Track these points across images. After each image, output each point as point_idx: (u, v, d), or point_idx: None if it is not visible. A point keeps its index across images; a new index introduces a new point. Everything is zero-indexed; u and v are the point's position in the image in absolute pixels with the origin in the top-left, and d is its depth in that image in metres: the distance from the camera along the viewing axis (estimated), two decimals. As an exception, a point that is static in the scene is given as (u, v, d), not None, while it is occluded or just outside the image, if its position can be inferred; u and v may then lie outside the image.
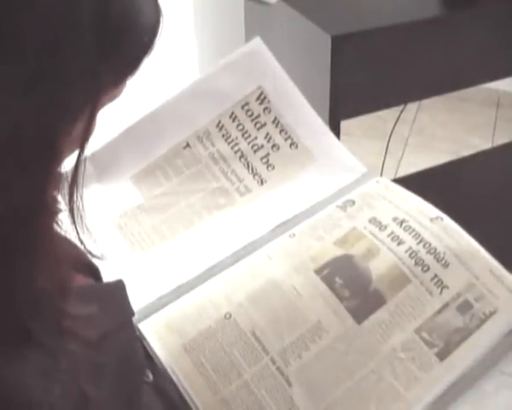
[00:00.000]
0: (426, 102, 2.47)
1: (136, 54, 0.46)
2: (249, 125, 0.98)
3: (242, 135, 0.98)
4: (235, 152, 0.98)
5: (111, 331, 0.57)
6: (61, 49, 0.39)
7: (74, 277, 0.59)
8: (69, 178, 0.46)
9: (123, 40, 0.44)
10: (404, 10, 1.51)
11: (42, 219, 0.44)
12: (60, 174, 0.45)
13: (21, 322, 0.45)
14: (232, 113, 0.99)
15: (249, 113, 0.98)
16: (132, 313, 0.67)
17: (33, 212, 0.42)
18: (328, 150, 1.00)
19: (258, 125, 0.98)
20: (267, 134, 0.98)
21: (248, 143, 0.98)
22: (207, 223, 0.94)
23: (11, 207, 0.41)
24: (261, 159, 0.98)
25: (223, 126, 0.98)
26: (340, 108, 1.44)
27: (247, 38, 1.73)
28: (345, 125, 1.56)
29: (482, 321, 0.80)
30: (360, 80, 1.44)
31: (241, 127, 0.98)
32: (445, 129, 2.78)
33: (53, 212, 0.46)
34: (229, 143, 0.98)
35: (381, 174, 2.10)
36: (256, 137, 0.98)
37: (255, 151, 0.98)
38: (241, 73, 1.01)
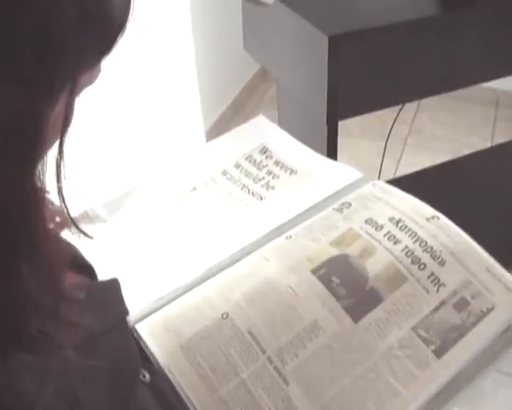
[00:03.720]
0: (425, 101, 2.47)
1: (111, 33, 0.47)
2: (252, 168, 1.08)
3: (245, 175, 1.07)
4: (237, 185, 1.05)
5: (104, 330, 0.56)
6: (48, 25, 0.41)
7: (68, 275, 0.59)
8: (56, 160, 0.46)
9: (101, 18, 0.45)
10: (402, 10, 1.52)
11: (33, 206, 0.44)
12: (46, 159, 0.45)
13: (15, 322, 0.45)
14: (236, 162, 1.08)
15: (252, 161, 1.08)
16: (127, 312, 0.67)
17: (24, 200, 0.43)
18: (326, 168, 1.06)
19: (261, 167, 1.07)
20: (268, 170, 1.07)
21: (251, 179, 1.06)
22: (205, 228, 0.98)
23: (2, 196, 0.41)
24: (261, 186, 1.04)
25: (227, 173, 1.07)
26: (338, 108, 1.44)
27: (245, 38, 1.73)
28: (343, 125, 1.56)
29: (479, 318, 0.80)
30: (358, 80, 1.44)
31: (244, 172, 1.07)
32: (444, 129, 2.78)
33: (42, 198, 0.46)
34: (233, 183, 1.06)
35: (380, 174, 2.09)
36: (257, 175, 1.06)
37: (256, 182, 1.05)
38: (245, 136, 1.13)
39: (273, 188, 1.03)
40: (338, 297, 0.82)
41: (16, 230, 0.43)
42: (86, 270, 0.68)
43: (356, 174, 1.01)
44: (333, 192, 0.98)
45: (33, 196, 0.44)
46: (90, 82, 0.50)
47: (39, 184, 0.45)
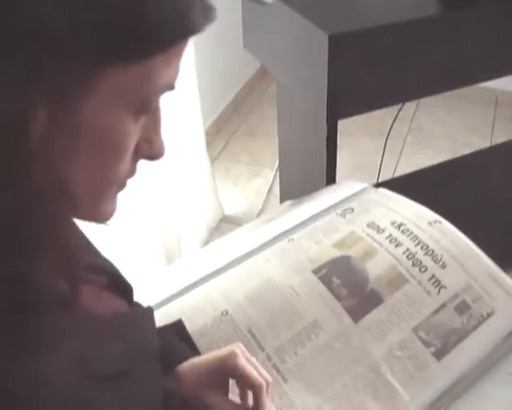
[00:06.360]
0: (424, 100, 2.47)
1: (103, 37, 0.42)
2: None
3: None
4: None
5: (131, 365, 0.53)
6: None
7: (104, 296, 0.58)
8: None
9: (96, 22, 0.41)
10: (402, 9, 1.51)
11: (51, 200, 0.42)
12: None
13: (27, 319, 0.44)
14: None
15: None
16: (156, 342, 0.62)
17: (44, 193, 0.41)
18: (330, 187, 1.12)
19: None
20: None
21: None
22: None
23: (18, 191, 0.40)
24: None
25: None
26: (338, 107, 1.44)
27: (245, 37, 1.73)
28: (342, 124, 1.55)
29: (479, 322, 0.80)
30: (358, 79, 1.43)
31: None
32: (444, 128, 2.77)
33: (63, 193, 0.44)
34: None
35: (380, 173, 2.09)
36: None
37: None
38: None
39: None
40: (339, 297, 0.82)
41: (30, 224, 0.42)
42: (124, 291, 0.64)
43: (359, 185, 1.02)
44: (336, 201, 0.99)
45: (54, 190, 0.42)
46: (166, 85, 0.49)
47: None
